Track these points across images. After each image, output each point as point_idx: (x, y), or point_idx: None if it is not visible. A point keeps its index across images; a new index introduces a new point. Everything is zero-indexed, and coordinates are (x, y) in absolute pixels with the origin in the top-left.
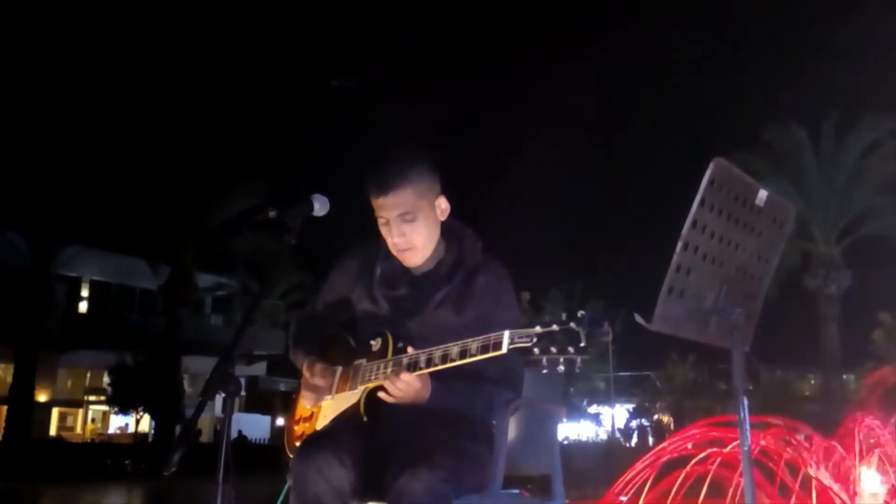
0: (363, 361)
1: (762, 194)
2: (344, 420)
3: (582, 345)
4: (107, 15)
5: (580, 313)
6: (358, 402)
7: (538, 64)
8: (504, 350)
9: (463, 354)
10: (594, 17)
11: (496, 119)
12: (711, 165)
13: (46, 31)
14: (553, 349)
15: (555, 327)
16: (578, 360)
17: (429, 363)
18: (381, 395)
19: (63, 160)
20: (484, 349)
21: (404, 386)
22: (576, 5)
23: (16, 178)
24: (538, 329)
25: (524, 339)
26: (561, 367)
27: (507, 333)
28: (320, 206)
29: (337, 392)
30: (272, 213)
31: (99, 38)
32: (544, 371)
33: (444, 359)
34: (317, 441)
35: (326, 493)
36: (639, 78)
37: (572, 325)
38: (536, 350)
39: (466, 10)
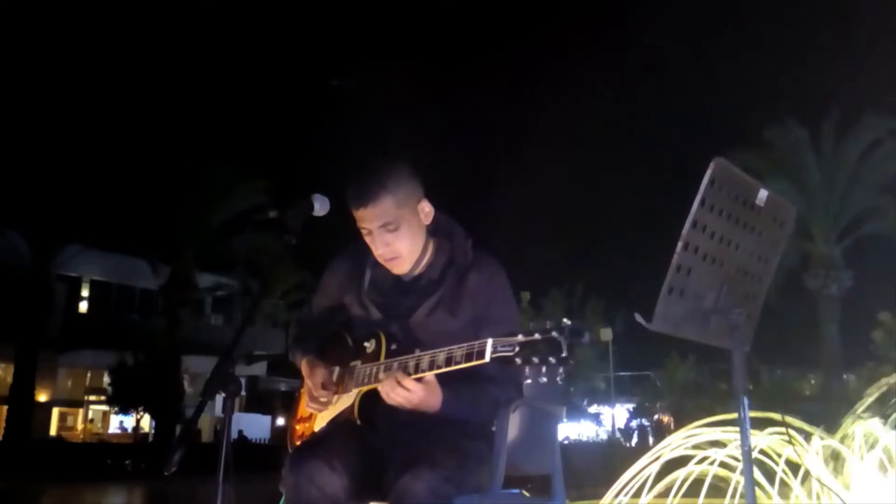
0: (358, 363)
1: (762, 194)
2: (339, 423)
3: (563, 355)
4: (107, 15)
5: (563, 322)
6: (352, 406)
7: (538, 64)
8: (487, 359)
9: (448, 362)
10: (593, 17)
11: (496, 118)
12: (711, 165)
13: (46, 31)
14: (535, 359)
15: (537, 336)
16: (561, 369)
17: (417, 368)
18: (380, 388)
19: (63, 160)
20: (468, 357)
21: (406, 394)
22: (575, 4)
23: (16, 178)
24: (520, 338)
25: (507, 349)
26: (543, 379)
27: (490, 342)
28: (320, 206)
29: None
30: (272, 214)
31: (99, 39)
32: (527, 381)
33: (432, 365)
34: (306, 449)
35: (320, 500)
36: (638, 78)
37: (554, 334)
38: (518, 360)
39: (467, 9)
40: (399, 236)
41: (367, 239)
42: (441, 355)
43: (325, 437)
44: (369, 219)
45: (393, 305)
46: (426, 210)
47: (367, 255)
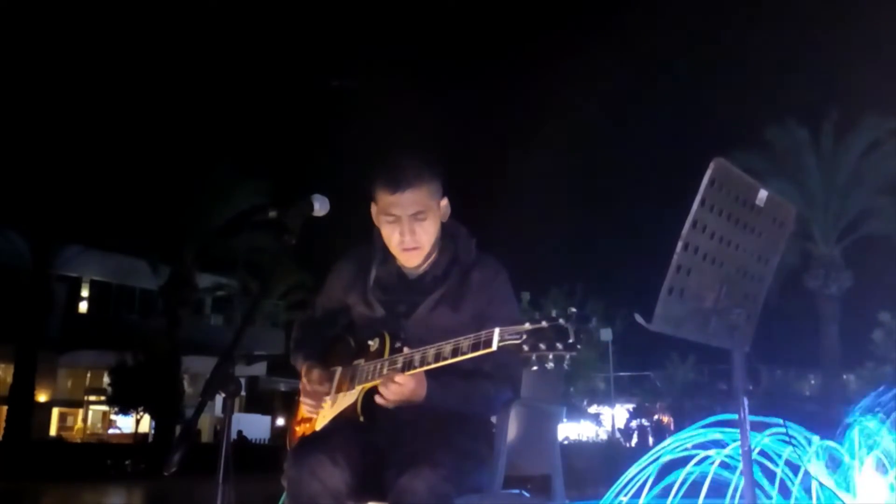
0: (361, 362)
1: (762, 194)
2: (341, 421)
3: (570, 341)
4: (107, 15)
5: (570, 310)
6: (355, 403)
7: (538, 64)
8: (494, 347)
9: (455, 353)
10: (593, 18)
11: (497, 119)
12: (711, 165)
13: (46, 30)
14: (542, 346)
15: (544, 324)
16: (567, 356)
17: (423, 362)
18: (377, 399)
19: (63, 160)
20: (475, 347)
21: (398, 388)
22: (575, 6)
23: (16, 178)
24: (528, 326)
25: (514, 337)
26: (550, 364)
27: (497, 331)
28: (320, 206)
29: (336, 392)
30: (272, 214)
31: (99, 38)
32: (534, 368)
33: (437, 357)
34: (309, 443)
35: (321, 494)
36: (639, 78)
37: (561, 321)
38: (526, 347)
39: (468, 9)
40: (425, 227)
41: (390, 227)
42: (447, 347)
43: (328, 433)
44: (403, 205)
45: (397, 303)
46: (446, 207)
47: (372, 255)
